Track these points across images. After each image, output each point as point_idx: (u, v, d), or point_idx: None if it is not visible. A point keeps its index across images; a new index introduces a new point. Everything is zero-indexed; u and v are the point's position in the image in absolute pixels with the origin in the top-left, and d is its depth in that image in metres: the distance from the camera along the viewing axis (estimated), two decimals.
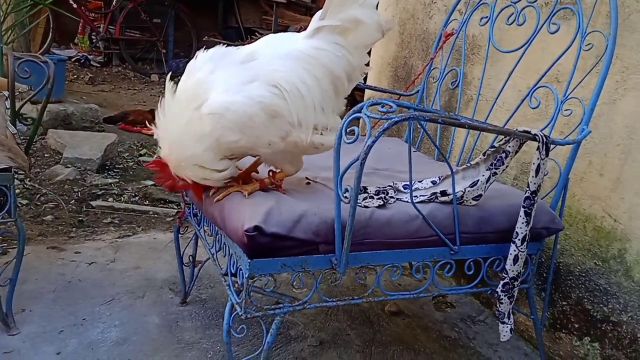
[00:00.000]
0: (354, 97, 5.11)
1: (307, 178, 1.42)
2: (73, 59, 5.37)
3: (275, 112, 1.13)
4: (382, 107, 1.06)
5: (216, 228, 1.33)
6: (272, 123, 1.14)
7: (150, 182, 2.87)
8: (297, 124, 1.16)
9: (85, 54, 5.40)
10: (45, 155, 3.03)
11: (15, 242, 1.52)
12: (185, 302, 1.78)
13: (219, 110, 1.11)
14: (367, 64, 1.29)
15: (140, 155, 3.35)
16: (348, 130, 1.08)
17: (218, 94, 1.13)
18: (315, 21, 1.22)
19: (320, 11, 1.22)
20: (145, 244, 2.21)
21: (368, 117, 1.04)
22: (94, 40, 5.48)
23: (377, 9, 1.25)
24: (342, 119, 1.18)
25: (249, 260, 1.09)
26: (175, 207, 2.62)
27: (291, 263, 1.13)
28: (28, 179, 2.60)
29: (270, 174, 1.28)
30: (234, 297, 1.16)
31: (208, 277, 1.95)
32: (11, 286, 1.51)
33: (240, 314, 1.12)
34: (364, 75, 1.32)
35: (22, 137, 1.67)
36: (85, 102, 3.91)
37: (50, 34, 5.05)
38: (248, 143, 1.15)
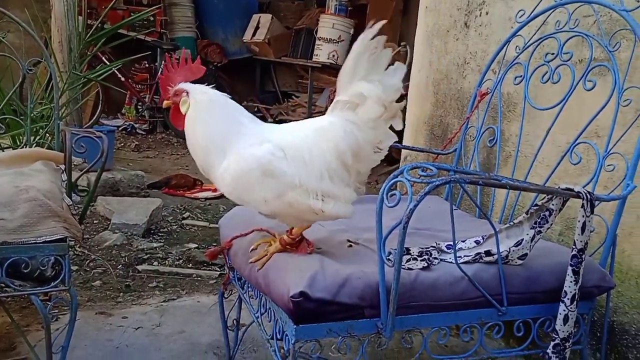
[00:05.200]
0: (391, 154, 5.16)
1: (348, 240, 1.44)
2: (120, 128, 5.65)
3: (271, 171, 1.20)
4: (423, 170, 1.09)
5: (260, 292, 1.35)
6: (266, 181, 1.20)
7: (194, 245, 2.93)
8: (298, 186, 1.20)
9: (132, 122, 5.68)
10: (95, 221, 3.15)
11: (67, 308, 1.58)
12: None
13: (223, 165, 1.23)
14: (394, 131, 1.31)
15: (184, 218, 3.44)
16: (389, 194, 1.10)
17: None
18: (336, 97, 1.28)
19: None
20: (190, 308, 2.23)
21: (409, 180, 1.06)
22: (139, 110, 5.77)
23: (404, 76, 1.28)
24: (359, 191, 1.30)
25: (295, 326, 1.10)
26: (218, 269, 2.66)
27: (337, 328, 1.13)
28: (78, 246, 2.70)
29: (287, 232, 1.33)
30: None
31: (251, 340, 1.95)
32: (63, 353, 1.55)
33: None
34: (381, 150, 1.33)
35: (76, 207, 1.76)
36: (131, 169, 4.08)
37: (100, 106, 5.35)
38: (243, 197, 1.24)
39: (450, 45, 2.42)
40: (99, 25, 3.66)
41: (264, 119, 6.23)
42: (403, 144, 2.77)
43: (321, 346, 1.13)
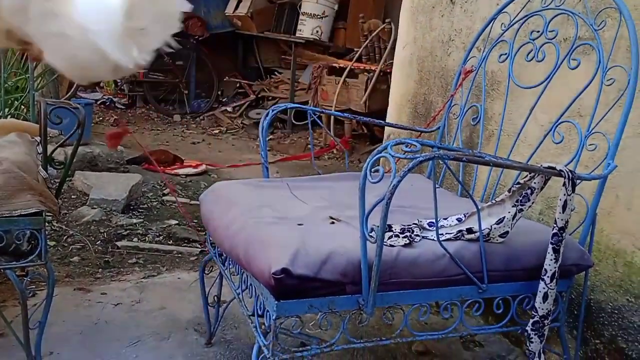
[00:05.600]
0: (373, 133, 5.15)
1: (331, 217, 1.43)
2: (99, 102, 5.54)
3: None
4: (407, 146, 1.08)
5: (241, 269, 1.34)
6: None
7: (174, 222, 2.90)
8: None
9: (111, 96, 5.57)
10: (72, 196, 3.09)
11: (44, 284, 1.55)
12: (211, 343, 1.78)
13: None
14: None
15: (164, 194, 3.40)
16: (373, 169, 1.09)
17: None
18: None
19: None
20: (170, 284, 2.22)
21: (393, 156, 1.05)
22: (118, 84, 5.66)
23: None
24: None
25: (277, 302, 1.10)
26: (199, 246, 2.64)
27: (318, 304, 1.13)
28: (56, 221, 2.65)
29: None
30: (261, 339, 1.16)
31: (232, 317, 1.94)
32: (40, 329, 1.53)
33: (267, 356, 1.11)
34: None
35: (52, 181, 1.72)
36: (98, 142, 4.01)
37: None
38: None
39: (435, 22, 2.39)
40: None
41: (245, 95, 6.16)
42: (386, 122, 2.77)
43: (302, 322, 1.13)
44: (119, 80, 5.68)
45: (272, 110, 1.81)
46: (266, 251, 1.15)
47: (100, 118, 5.29)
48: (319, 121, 1.99)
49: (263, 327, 1.17)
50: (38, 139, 1.81)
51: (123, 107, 5.67)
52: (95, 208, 2.85)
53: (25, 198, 1.48)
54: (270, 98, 5.96)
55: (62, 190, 1.78)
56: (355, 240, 1.19)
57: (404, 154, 1.07)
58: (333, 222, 1.39)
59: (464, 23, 2.20)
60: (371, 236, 1.10)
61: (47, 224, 2.62)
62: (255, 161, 4.56)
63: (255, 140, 5.33)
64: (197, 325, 1.89)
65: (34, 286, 2.03)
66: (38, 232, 1.47)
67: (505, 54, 1.83)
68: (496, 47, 1.91)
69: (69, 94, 5.21)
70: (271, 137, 5.37)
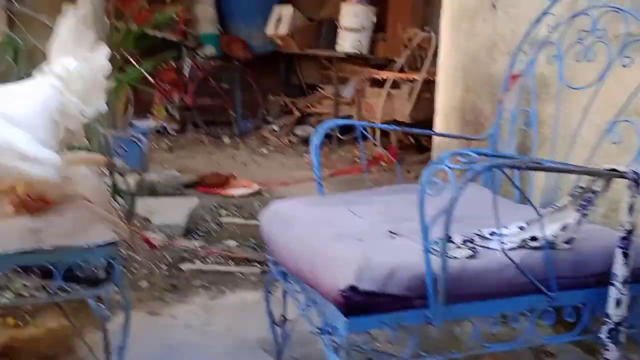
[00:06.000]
0: (420, 142, 5.13)
1: (390, 231, 1.45)
2: (152, 129, 5.75)
3: None
4: (464, 157, 1.09)
5: (307, 286, 1.38)
6: None
7: (234, 243, 2.99)
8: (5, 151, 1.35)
9: (163, 123, 5.78)
10: (136, 223, 3.23)
11: (118, 309, 1.64)
12: None
13: None
14: None
15: (220, 216, 3.50)
16: (431, 183, 1.11)
17: None
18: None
19: None
20: (234, 305, 2.29)
21: (451, 168, 1.07)
22: (168, 110, 5.87)
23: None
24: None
25: (346, 319, 1.13)
26: (259, 266, 2.70)
27: (387, 319, 1.15)
28: (125, 248, 2.78)
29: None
30: (332, 356, 1.19)
31: (298, 335, 1.97)
32: (121, 354, 1.61)
33: None
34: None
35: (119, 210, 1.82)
36: (166, 169, 4.16)
37: (129, 107, 5.46)
38: None
39: (478, 28, 2.39)
40: (126, 26, 3.72)
41: (290, 113, 6.26)
42: (434, 131, 2.77)
43: (372, 338, 1.15)
44: (169, 106, 5.89)
45: (322, 129, 1.86)
46: (331, 269, 1.18)
47: (154, 145, 5.49)
48: (368, 135, 2.02)
49: (333, 344, 1.20)
50: (105, 170, 1.92)
51: (174, 132, 5.86)
52: (158, 233, 2.97)
53: (99, 228, 1.58)
54: (314, 114, 6.03)
55: (131, 218, 1.87)
56: (418, 253, 1.21)
57: (461, 164, 1.08)
58: (393, 237, 1.42)
59: (508, 27, 2.19)
60: (434, 249, 1.12)
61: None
62: (304, 177, 4.62)
63: (302, 157, 5.40)
64: (264, 344, 1.94)
65: (108, 312, 2.14)
66: (113, 260, 1.56)
67: (554, 55, 1.81)
68: (543, 49, 1.89)
69: (124, 123, 5.47)
70: None
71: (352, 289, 1.10)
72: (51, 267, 1.47)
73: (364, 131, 1.96)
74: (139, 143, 1.79)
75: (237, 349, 1.93)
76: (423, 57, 4.69)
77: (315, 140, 1.82)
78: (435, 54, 4.71)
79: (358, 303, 1.11)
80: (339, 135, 5.42)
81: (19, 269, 1.48)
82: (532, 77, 1.93)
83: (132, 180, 1.85)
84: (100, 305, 1.59)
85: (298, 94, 6.54)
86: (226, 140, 5.90)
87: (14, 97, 1.45)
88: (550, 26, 1.83)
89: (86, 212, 1.58)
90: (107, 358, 1.58)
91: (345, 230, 1.44)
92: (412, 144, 5.11)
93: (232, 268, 2.67)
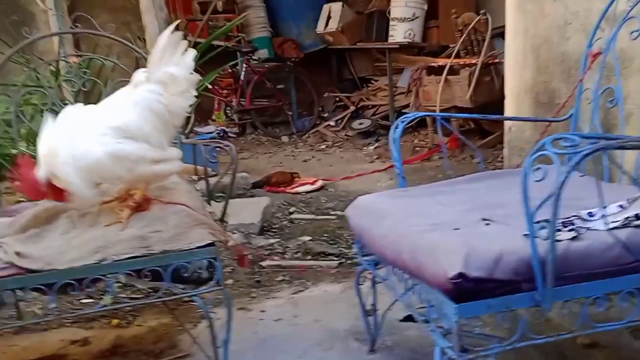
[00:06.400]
0: (482, 127, 5.05)
1: (483, 219, 1.46)
2: (215, 133, 5.93)
3: (119, 156, 1.53)
4: (566, 141, 1.10)
5: (407, 275, 1.41)
6: (117, 164, 1.53)
7: (308, 238, 3.06)
8: (141, 159, 1.57)
9: (223, 127, 5.94)
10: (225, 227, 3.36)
11: (209, 306, 1.75)
12: (373, 350, 1.87)
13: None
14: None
15: (290, 213, 3.58)
16: (535, 168, 1.12)
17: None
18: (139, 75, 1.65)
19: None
20: (319, 298, 2.35)
21: (556, 153, 1.08)
22: (228, 114, 6.03)
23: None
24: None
25: (456, 305, 1.15)
26: (336, 259, 2.76)
27: (496, 304, 1.17)
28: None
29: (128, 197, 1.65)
30: (442, 342, 1.22)
31: (387, 324, 2.02)
32: (225, 347, 1.70)
33: (454, 357, 1.17)
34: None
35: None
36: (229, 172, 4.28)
37: (192, 115, 5.64)
38: (100, 179, 1.58)
39: (547, 8, 2.34)
40: (186, 38, 3.86)
41: (345, 107, 6.30)
42: (505, 115, 2.74)
43: (482, 323, 1.18)
44: (228, 111, 6.04)
45: (402, 122, 1.88)
46: (437, 258, 1.21)
47: (218, 149, 5.66)
48: (446, 123, 2.03)
49: (440, 330, 1.23)
50: (195, 177, 2.03)
51: (235, 135, 6.02)
52: (235, 233, 3.08)
53: (198, 232, 1.67)
54: (369, 107, 6.05)
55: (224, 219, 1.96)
56: (519, 238, 1.23)
57: (565, 149, 1.09)
58: (488, 224, 1.43)
59: (581, 5, 2.14)
60: (539, 233, 1.13)
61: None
62: (365, 170, 4.66)
63: (361, 150, 5.43)
64: (355, 334, 1.99)
65: (201, 310, 2.25)
66: (215, 260, 1.65)
67: (636, 30, 1.77)
68: (624, 24, 1.84)
69: (187, 130, 5.64)
70: (377, 145, 5.45)
71: (461, 276, 1.13)
72: (160, 270, 1.58)
73: (442, 121, 1.97)
74: (230, 151, 1.89)
75: (328, 339, 1.98)
76: (480, 40, 4.62)
77: (395, 134, 1.84)
78: (492, 37, 4.63)
79: (467, 289, 1.14)
80: None
81: (131, 273, 1.59)
82: (615, 54, 1.89)
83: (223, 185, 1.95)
84: (206, 303, 1.69)
85: (351, 88, 6.57)
86: (285, 139, 6.01)
87: (124, 109, 1.60)
88: (631, 0, 1.79)
89: (186, 217, 1.67)
90: (215, 351, 1.67)
91: (437, 220, 1.47)
92: (473, 129, 5.04)
93: (310, 262, 2.74)
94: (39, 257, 1.48)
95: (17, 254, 1.47)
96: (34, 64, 2.39)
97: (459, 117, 4.20)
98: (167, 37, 1.64)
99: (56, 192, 1.54)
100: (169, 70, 1.63)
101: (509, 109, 2.68)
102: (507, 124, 2.71)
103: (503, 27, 2.96)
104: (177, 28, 1.69)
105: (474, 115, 2.56)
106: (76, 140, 1.53)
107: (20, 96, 2.10)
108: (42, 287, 1.48)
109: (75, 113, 1.63)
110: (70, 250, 1.52)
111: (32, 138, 2.57)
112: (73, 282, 1.49)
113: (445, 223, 1.43)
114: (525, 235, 1.22)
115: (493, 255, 1.17)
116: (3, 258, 1.47)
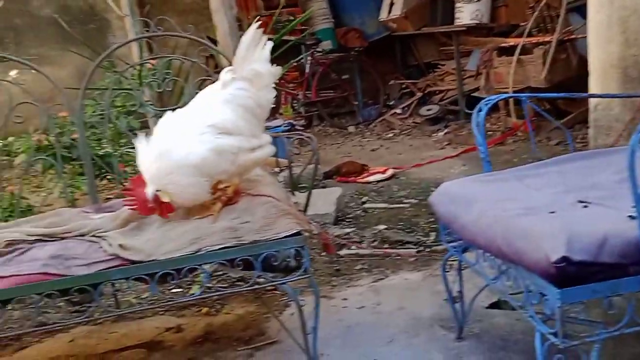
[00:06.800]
0: (558, 107, 4.83)
1: (580, 201, 1.41)
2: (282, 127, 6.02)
3: (221, 150, 1.64)
4: None
5: (501, 260, 1.38)
6: (221, 157, 1.64)
7: (383, 227, 3.05)
8: (241, 150, 1.68)
9: (291, 120, 6.02)
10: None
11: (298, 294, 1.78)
12: (461, 337, 1.85)
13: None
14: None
15: (363, 203, 3.59)
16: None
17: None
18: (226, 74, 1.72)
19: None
20: (400, 285, 2.35)
21: None
22: (295, 107, 6.09)
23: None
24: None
25: (559, 290, 1.12)
26: (413, 247, 2.74)
27: (601, 288, 1.13)
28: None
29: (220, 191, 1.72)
30: (542, 328, 1.19)
31: (473, 311, 1.99)
32: (314, 333, 1.73)
33: (557, 344, 1.14)
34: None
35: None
36: (302, 163, 4.34)
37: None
38: (208, 176, 1.65)
39: None
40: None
41: (412, 94, 6.22)
42: (590, 93, 2.61)
43: (587, 308, 1.14)
44: (294, 104, 6.11)
45: (486, 104, 1.84)
46: (536, 242, 1.18)
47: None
48: (534, 105, 1.96)
49: (542, 315, 1.20)
50: (277, 169, 2.07)
51: (302, 127, 6.07)
52: (312, 223, 3.12)
53: (285, 222, 1.71)
54: (437, 92, 5.93)
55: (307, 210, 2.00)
56: (622, 220, 1.17)
57: None
58: (586, 206, 1.38)
59: None
60: None
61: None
62: (435, 157, 4.58)
63: (430, 136, 5.34)
64: (440, 321, 1.98)
65: (285, 298, 2.31)
66: (302, 249, 1.68)
67: None
68: None
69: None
70: (446, 131, 5.34)
71: (565, 260, 1.09)
72: (251, 259, 1.63)
73: (530, 102, 1.90)
74: (311, 143, 1.93)
75: (414, 326, 1.98)
76: (554, 16, 4.41)
77: (478, 118, 1.80)
78: (567, 11, 4.41)
79: (571, 274, 1.10)
80: (466, 110, 5.28)
81: (224, 262, 1.65)
82: None
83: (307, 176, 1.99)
84: (295, 291, 1.72)
85: (417, 74, 6.46)
86: (351, 129, 6.01)
87: (218, 109, 1.68)
88: None
89: (273, 208, 1.72)
90: (304, 337, 1.71)
91: (529, 203, 1.43)
92: (548, 109, 4.83)
93: (388, 251, 2.73)
94: (141, 249, 1.56)
95: (121, 246, 1.56)
96: (119, 68, 2.51)
97: (544, 97, 4.03)
98: (251, 35, 1.69)
99: (163, 208, 1.64)
100: (254, 67, 1.71)
101: (594, 86, 2.55)
102: (592, 101, 2.58)
103: (577, 0, 2.81)
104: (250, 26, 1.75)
105: (561, 95, 2.46)
106: (178, 145, 1.62)
107: (109, 99, 2.22)
108: (144, 276, 1.57)
109: (169, 121, 1.72)
110: (168, 242, 1.60)
111: (116, 138, 2.73)
112: (172, 271, 1.57)
113: (539, 207, 1.39)
114: (629, 216, 1.17)
115: (597, 239, 1.13)
116: (108, 250, 1.57)
